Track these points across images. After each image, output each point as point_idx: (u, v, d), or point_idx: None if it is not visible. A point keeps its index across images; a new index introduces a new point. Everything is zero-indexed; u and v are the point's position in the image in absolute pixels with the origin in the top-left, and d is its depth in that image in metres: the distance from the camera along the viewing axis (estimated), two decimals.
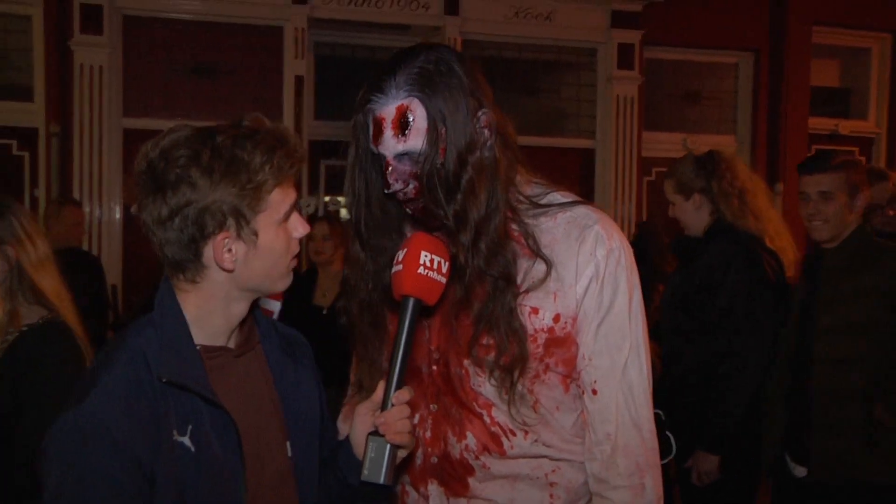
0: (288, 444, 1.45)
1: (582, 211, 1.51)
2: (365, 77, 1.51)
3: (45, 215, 5.00)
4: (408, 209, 1.49)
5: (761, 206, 3.10)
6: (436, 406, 1.54)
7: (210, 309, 1.36)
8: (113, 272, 5.87)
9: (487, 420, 1.50)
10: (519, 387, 1.47)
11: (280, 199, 1.33)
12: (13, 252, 2.11)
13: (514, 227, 1.48)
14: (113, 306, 5.63)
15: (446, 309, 1.49)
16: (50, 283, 2.16)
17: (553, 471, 1.53)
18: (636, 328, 1.50)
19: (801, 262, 3.18)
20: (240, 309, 1.38)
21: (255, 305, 1.44)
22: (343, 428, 1.70)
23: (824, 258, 2.81)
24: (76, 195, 5.81)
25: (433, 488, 1.56)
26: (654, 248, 4.80)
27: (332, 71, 6.59)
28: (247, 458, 1.34)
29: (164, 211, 1.27)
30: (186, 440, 1.28)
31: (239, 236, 1.30)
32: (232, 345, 1.41)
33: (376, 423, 1.35)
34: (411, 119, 1.40)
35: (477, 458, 1.51)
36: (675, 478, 3.24)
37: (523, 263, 1.47)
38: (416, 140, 1.41)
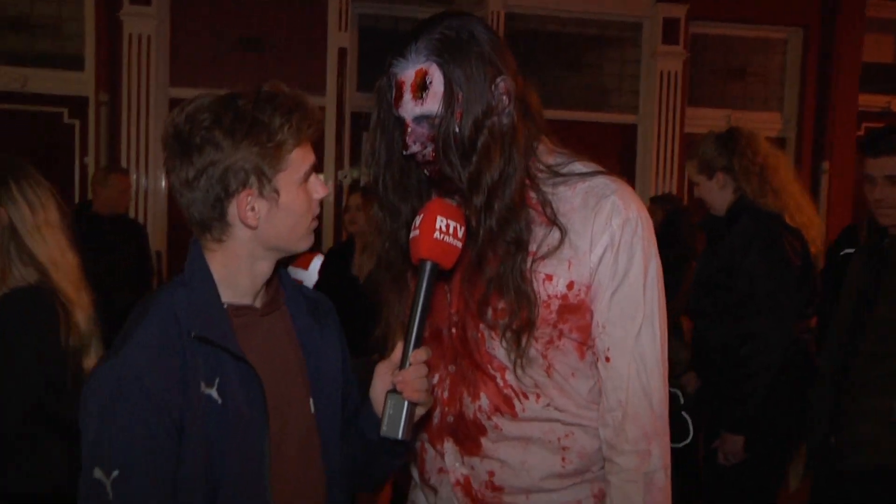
0: (311, 400, 1.52)
1: (601, 181, 1.53)
2: None
3: (93, 182, 5.16)
4: (426, 171, 1.53)
5: (783, 181, 3.07)
6: (454, 367, 1.59)
7: (236, 268, 1.42)
8: (158, 238, 6.04)
9: (500, 382, 1.54)
10: (532, 351, 1.51)
11: (299, 159, 1.39)
12: (5, 214, 2.17)
13: (532, 194, 1.51)
14: (157, 272, 5.79)
15: (464, 273, 1.54)
16: (45, 248, 2.19)
17: (566, 435, 1.57)
18: (651, 298, 1.52)
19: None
20: (264, 268, 1.45)
21: (279, 267, 1.51)
22: None
23: (893, 245, 2.61)
24: (124, 163, 5.96)
25: (449, 446, 1.61)
26: (685, 227, 4.78)
27: (375, 43, 6.62)
28: (270, 411, 1.41)
29: (191, 172, 1.34)
30: (214, 392, 1.36)
31: (261, 194, 1.37)
32: (258, 304, 1.48)
33: (394, 382, 1.41)
34: (429, 83, 1.44)
35: (489, 418, 1.56)
36: (702, 458, 3.27)
37: (539, 231, 1.50)
38: (434, 103, 1.45)
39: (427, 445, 1.66)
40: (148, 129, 6.08)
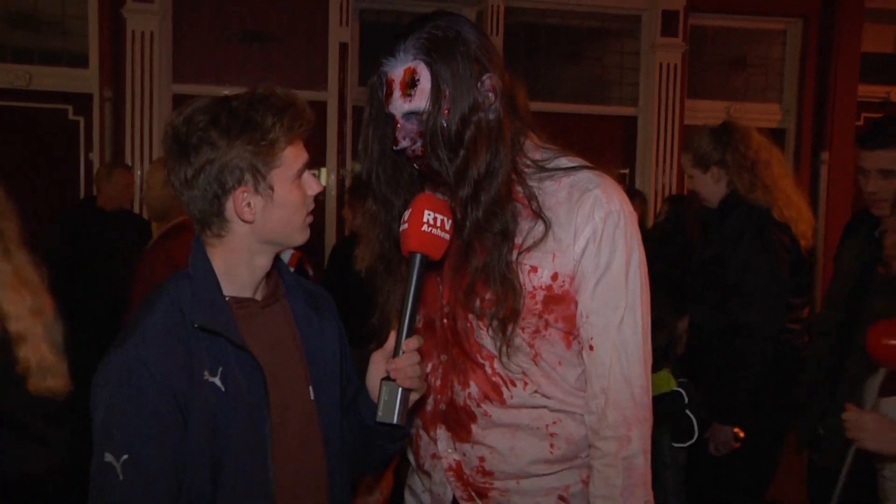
0: (310, 387, 1.59)
1: (585, 175, 1.59)
2: None
3: (97, 178, 5.22)
4: (416, 165, 1.60)
5: (774, 176, 3.10)
6: (445, 356, 1.65)
7: (236, 261, 1.50)
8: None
9: (489, 370, 1.61)
10: (518, 340, 1.57)
11: (292, 157, 1.46)
12: None
13: (518, 188, 1.58)
14: None
15: (453, 265, 1.60)
16: None
17: (554, 422, 1.63)
18: (633, 288, 1.58)
19: (853, 237, 2.95)
20: (263, 261, 1.52)
21: (278, 260, 1.57)
22: None
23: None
24: (128, 159, 6.02)
25: (441, 433, 1.68)
26: (689, 219, 4.81)
27: (376, 37, 6.65)
28: (271, 398, 1.48)
29: (189, 171, 1.42)
30: (217, 380, 1.43)
31: (256, 190, 1.44)
32: (258, 297, 1.55)
33: (388, 369, 1.48)
34: (417, 80, 1.51)
35: (479, 405, 1.62)
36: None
37: (525, 224, 1.56)
38: (422, 100, 1.51)
39: (421, 432, 1.72)
40: (152, 125, 6.14)
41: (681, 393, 2.95)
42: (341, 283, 3.91)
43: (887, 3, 7.47)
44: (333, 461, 1.61)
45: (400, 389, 1.47)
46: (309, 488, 1.57)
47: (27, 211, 2.27)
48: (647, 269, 1.63)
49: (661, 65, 6.91)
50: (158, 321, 1.42)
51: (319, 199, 1.56)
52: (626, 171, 6.99)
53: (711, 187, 3.17)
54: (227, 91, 6.11)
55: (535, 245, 1.55)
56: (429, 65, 1.51)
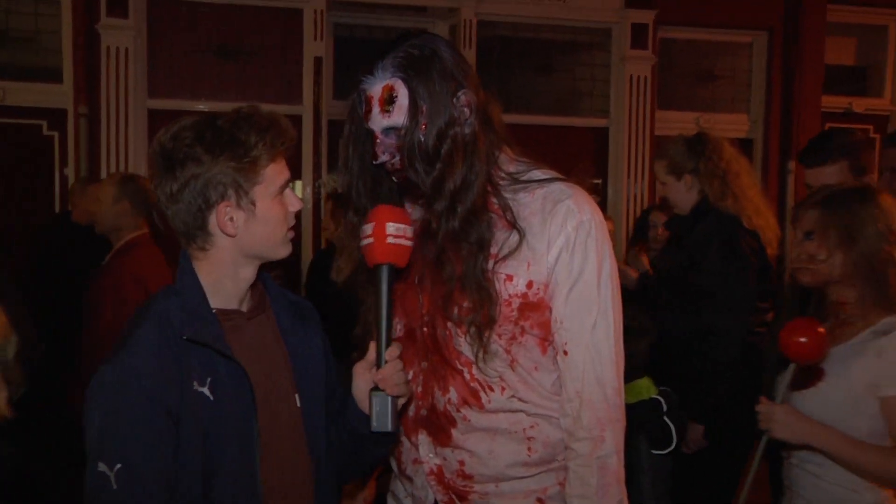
0: (296, 396, 1.64)
1: (557, 187, 1.66)
2: None
3: (72, 193, 5.22)
4: (395, 178, 1.66)
5: (743, 186, 3.21)
6: (426, 363, 1.71)
7: (221, 274, 1.55)
8: None
9: (468, 376, 1.67)
10: (494, 346, 1.63)
11: (274, 173, 1.52)
12: None
13: (493, 200, 1.64)
14: None
15: (432, 275, 1.66)
16: None
17: (531, 426, 1.69)
18: (605, 294, 1.64)
19: None
20: (247, 274, 1.58)
21: (262, 273, 1.63)
22: None
23: None
24: (103, 174, 5.98)
25: (422, 438, 1.74)
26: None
27: (351, 52, 6.71)
28: (259, 407, 1.54)
29: (175, 186, 1.48)
30: (206, 390, 1.48)
31: (239, 205, 1.50)
32: (244, 308, 1.61)
33: (375, 380, 1.54)
34: (395, 97, 1.57)
35: (458, 410, 1.68)
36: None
37: (501, 235, 1.63)
38: (400, 116, 1.58)
39: (403, 438, 1.78)
40: (127, 141, 6.13)
41: (659, 401, 3.02)
42: (321, 294, 3.95)
43: (849, 17, 7.67)
44: (319, 464, 1.67)
45: (389, 398, 1.53)
46: (296, 494, 1.62)
47: (1, 226, 2.28)
48: (618, 276, 1.70)
49: (631, 77, 7.03)
50: (149, 334, 1.47)
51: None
52: (599, 181, 7.10)
53: (684, 195, 3.26)
54: (202, 106, 6.13)
55: (511, 254, 1.61)
56: (406, 82, 1.57)
